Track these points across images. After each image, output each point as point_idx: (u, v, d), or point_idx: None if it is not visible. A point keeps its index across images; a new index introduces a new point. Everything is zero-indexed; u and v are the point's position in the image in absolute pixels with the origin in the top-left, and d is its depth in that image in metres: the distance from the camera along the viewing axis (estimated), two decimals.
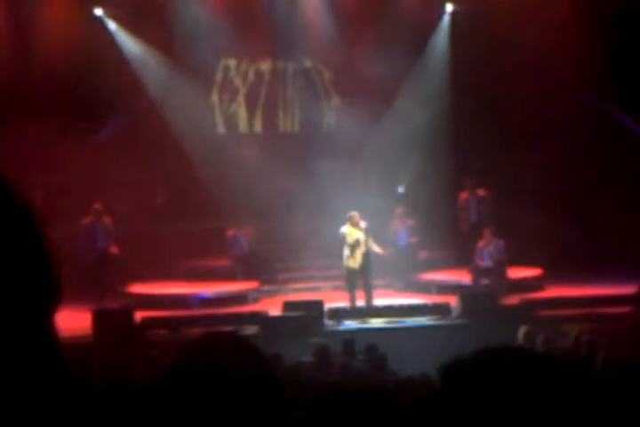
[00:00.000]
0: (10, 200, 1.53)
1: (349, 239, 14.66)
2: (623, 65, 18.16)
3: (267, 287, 16.67)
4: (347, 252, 14.72)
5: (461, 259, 17.10)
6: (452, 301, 14.68)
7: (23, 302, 1.47)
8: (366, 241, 14.68)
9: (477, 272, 15.90)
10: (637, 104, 18.19)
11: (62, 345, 1.56)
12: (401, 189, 18.94)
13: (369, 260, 14.80)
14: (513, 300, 15.02)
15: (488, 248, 15.89)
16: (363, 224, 14.74)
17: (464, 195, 17.59)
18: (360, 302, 14.85)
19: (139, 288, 16.26)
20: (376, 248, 14.92)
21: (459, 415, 1.50)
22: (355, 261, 14.71)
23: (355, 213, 14.83)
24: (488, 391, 1.49)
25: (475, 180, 17.53)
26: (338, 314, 14.38)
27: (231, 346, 1.90)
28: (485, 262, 15.86)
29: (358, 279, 14.87)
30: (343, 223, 14.84)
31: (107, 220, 16.00)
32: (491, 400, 1.48)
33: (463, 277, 16.22)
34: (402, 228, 17.04)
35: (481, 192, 17.55)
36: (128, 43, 18.56)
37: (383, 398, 2.87)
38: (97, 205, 15.96)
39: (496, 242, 15.95)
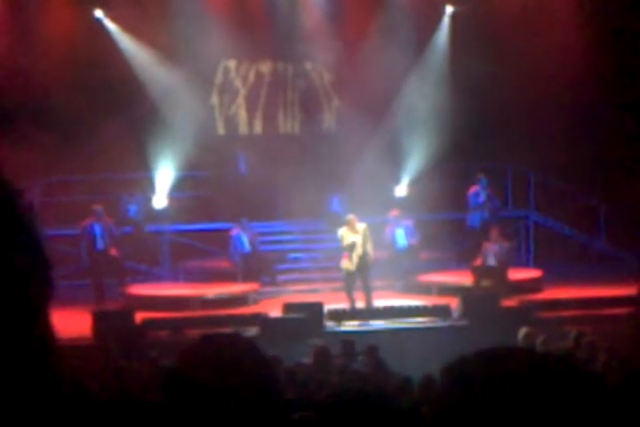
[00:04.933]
0: (5, 200, 1.52)
1: (345, 242, 14.65)
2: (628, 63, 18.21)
3: (267, 289, 16.65)
4: (343, 254, 14.74)
5: (462, 260, 17.08)
6: (453, 302, 14.67)
7: (16, 301, 1.46)
8: (364, 244, 14.65)
9: (479, 272, 15.89)
10: None
11: (61, 347, 1.55)
12: (399, 192, 18.83)
13: (366, 261, 14.77)
14: (513, 301, 15.01)
15: (493, 248, 15.92)
16: (360, 227, 14.70)
17: (473, 189, 17.43)
18: (360, 304, 14.84)
19: (139, 289, 16.24)
20: (370, 251, 14.81)
21: (461, 417, 1.50)
22: (351, 263, 14.69)
23: (352, 216, 14.81)
24: (491, 392, 1.49)
25: (486, 177, 17.41)
26: (338, 315, 14.37)
27: (231, 348, 1.90)
28: (489, 262, 15.88)
29: (356, 281, 14.85)
30: (342, 225, 14.85)
31: (107, 221, 15.99)
32: (493, 401, 1.48)
33: (464, 279, 16.19)
34: (397, 230, 16.85)
35: (491, 191, 17.46)
36: (128, 44, 18.56)
37: (384, 400, 2.86)
38: (96, 207, 15.94)
39: (501, 243, 15.99)
